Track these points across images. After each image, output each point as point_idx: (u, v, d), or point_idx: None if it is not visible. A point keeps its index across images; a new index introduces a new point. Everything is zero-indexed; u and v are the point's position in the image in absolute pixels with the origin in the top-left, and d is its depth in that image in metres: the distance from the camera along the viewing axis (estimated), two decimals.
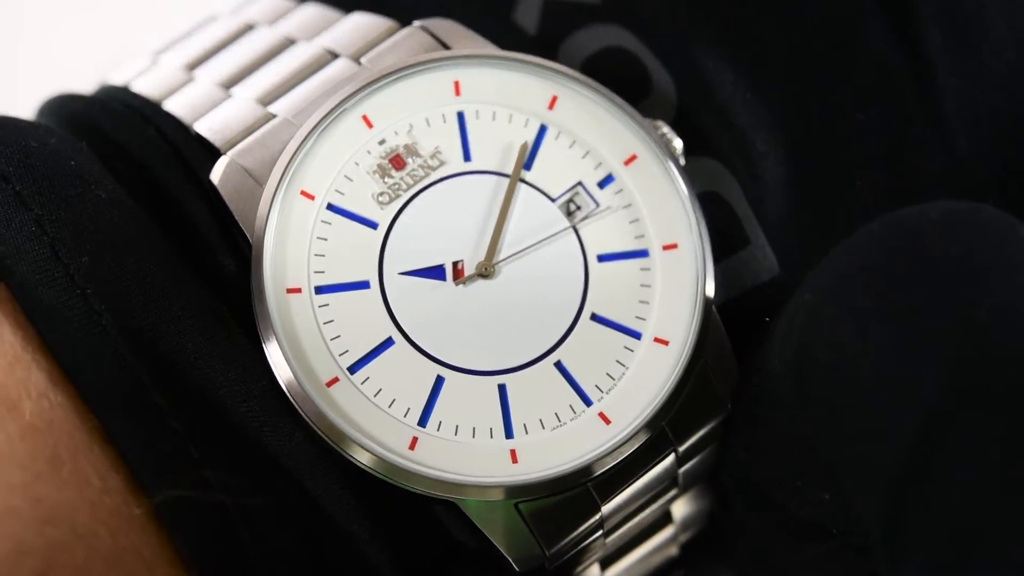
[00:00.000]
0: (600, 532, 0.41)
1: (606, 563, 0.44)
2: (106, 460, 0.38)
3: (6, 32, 0.74)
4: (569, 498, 0.40)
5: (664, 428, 0.41)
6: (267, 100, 0.42)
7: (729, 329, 0.42)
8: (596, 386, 0.41)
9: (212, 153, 0.42)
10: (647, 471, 0.41)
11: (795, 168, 0.43)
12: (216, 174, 0.41)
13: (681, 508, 0.44)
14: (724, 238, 0.43)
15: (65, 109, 0.44)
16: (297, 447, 0.39)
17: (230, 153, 0.41)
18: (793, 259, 0.43)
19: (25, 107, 0.45)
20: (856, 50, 0.43)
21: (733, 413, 0.41)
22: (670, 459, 0.41)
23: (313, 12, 0.45)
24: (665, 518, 0.44)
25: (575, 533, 0.40)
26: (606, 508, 0.40)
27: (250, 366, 0.40)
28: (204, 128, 0.42)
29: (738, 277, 0.43)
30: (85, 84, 0.46)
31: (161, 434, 0.38)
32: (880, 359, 0.36)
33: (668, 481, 0.42)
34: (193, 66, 0.44)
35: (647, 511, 0.42)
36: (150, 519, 0.38)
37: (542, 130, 0.42)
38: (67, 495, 0.38)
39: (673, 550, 0.45)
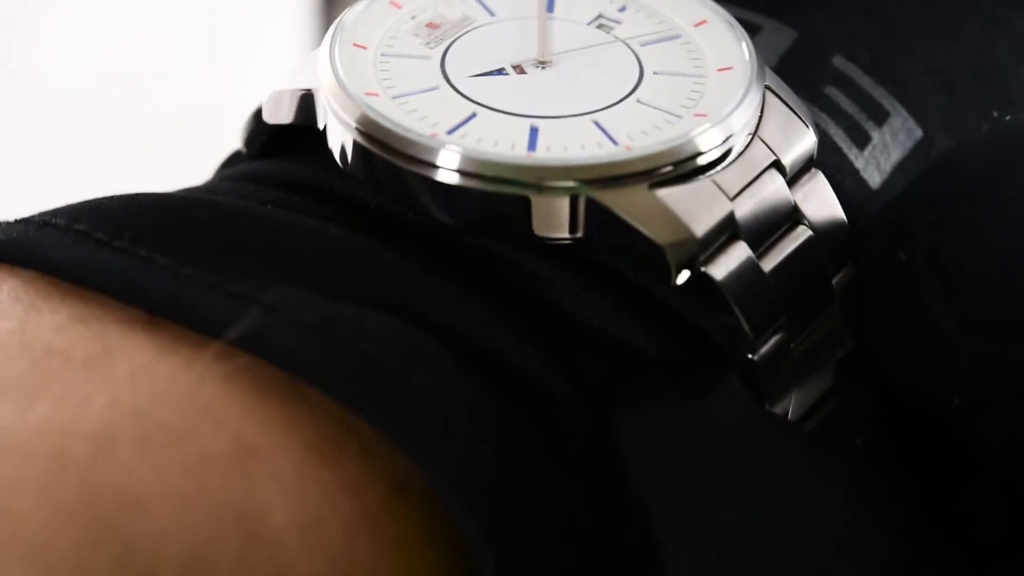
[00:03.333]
0: (742, 243, 0.40)
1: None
2: None
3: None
4: (697, 186, 0.40)
5: (757, 139, 0.41)
6: None
7: None
8: (682, 106, 0.42)
9: None
10: (759, 177, 0.41)
11: None
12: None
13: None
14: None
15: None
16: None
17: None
18: None
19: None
20: None
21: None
22: (775, 171, 0.42)
23: None
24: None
25: (712, 216, 0.40)
26: (733, 204, 0.40)
27: None
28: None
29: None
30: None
31: None
32: None
33: (786, 202, 0.41)
34: None
35: (788, 243, 0.42)
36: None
37: None
38: None
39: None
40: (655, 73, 0.43)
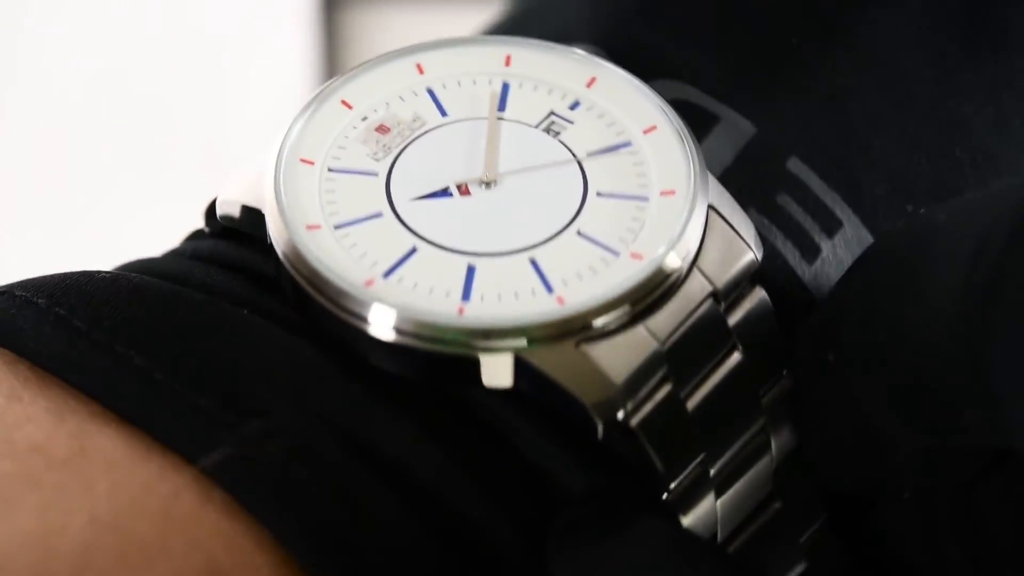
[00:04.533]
0: (669, 385, 0.41)
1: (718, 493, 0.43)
2: None
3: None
4: (625, 338, 0.41)
5: (695, 269, 0.42)
6: None
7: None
8: (620, 239, 0.42)
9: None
10: (694, 312, 0.42)
11: None
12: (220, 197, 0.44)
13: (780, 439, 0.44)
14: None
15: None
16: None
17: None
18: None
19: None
20: None
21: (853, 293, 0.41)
22: (711, 301, 0.42)
23: None
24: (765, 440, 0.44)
25: (638, 367, 0.41)
26: (663, 347, 0.41)
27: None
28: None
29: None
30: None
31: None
32: None
33: (721, 331, 0.42)
34: None
35: (717, 373, 0.42)
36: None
37: (505, 85, 0.46)
38: None
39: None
40: (599, 194, 0.43)
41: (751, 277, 0.43)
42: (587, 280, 0.41)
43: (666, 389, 0.41)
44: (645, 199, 0.43)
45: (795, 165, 0.45)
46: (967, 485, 0.42)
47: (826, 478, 0.44)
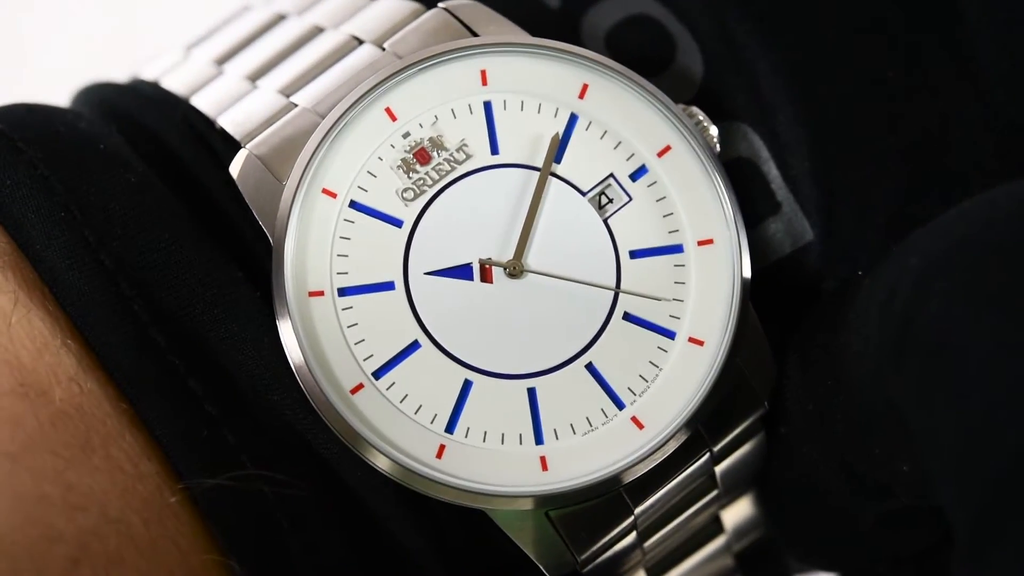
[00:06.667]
0: (634, 535, 0.40)
1: (656, 572, 0.43)
2: (139, 447, 0.38)
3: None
4: (601, 504, 0.39)
5: (699, 428, 0.40)
6: (289, 91, 0.41)
7: (765, 296, 0.41)
8: (629, 388, 0.39)
9: (236, 147, 0.40)
10: (681, 472, 0.40)
11: (819, 133, 0.41)
12: (235, 167, 0.40)
13: (732, 515, 0.43)
14: (753, 204, 0.41)
15: (97, 95, 0.44)
16: (331, 438, 0.39)
17: (249, 146, 0.40)
18: (824, 222, 0.41)
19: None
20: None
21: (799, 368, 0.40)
22: (704, 458, 0.40)
23: None
24: (716, 526, 0.43)
25: (607, 538, 0.39)
26: (639, 510, 0.39)
27: (283, 355, 0.39)
28: (227, 121, 0.41)
29: (769, 245, 0.41)
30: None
31: (196, 420, 0.38)
32: (995, 352, 0.33)
33: (704, 478, 0.41)
34: (222, 60, 0.43)
35: (686, 514, 0.41)
36: (185, 506, 0.38)
37: (572, 119, 0.41)
38: (99, 481, 0.37)
39: (728, 560, 0.44)
40: (624, 317, 0.40)
41: (752, 427, 0.41)
42: (578, 440, 0.39)
43: (628, 540, 0.40)
44: (671, 338, 0.40)
45: None
46: (932, 552, 0.42)
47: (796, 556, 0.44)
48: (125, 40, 0.71)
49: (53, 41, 0.74)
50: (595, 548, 0.39)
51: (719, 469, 0.41)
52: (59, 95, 0.45)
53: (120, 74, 0.45)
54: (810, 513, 0.42)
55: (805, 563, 0.45)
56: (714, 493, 0.41)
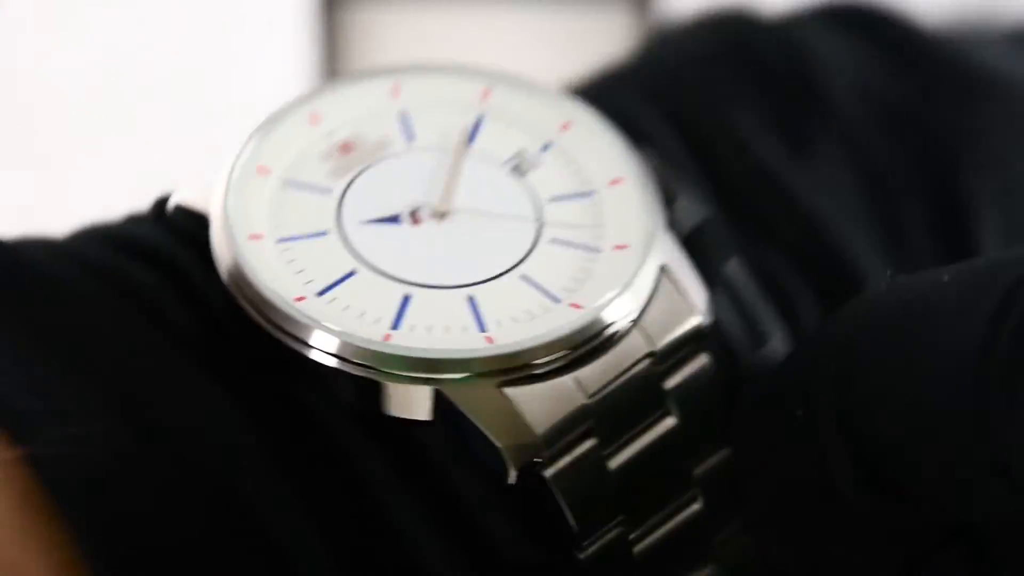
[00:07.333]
0: (594, 440, 0.40)
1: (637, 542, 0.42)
2: None
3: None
4: (553, 386, 0.40)
5: (636, 327, 0.41)
6: None
7: None
8: (564, 288, 0.41)
9: None
10: (628, 370, 0.41)
11: None
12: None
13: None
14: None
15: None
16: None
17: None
18: None
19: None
20: None
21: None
22: (648, 361, 0.41)
23: None
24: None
25: (561, 418, 0.40)
26: (589, 401, 0.40)
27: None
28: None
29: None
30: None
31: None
32: None
33: (654, 393, 0.41)
34: None
35: (647, 436, 0.41)
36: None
37: (479, 118, 0.45)
38: None
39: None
40: (551, 241, 0.42)
41: (697, 342, 0.42)
42: (522, 323, 0.41)
43: (588, 444, 0.40)
44: (597, 251, 0.42)
45: (733, 267, 0.45)
46: (924, 556, 0.41)
47: (785, 551, 0.43)
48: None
49: None
50: (551, 429, 0.39)
51: (668, 386, 0.42)
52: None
53: None
54: (796, 503, 0.42)
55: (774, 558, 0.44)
56: (671, 422, 0.42)
